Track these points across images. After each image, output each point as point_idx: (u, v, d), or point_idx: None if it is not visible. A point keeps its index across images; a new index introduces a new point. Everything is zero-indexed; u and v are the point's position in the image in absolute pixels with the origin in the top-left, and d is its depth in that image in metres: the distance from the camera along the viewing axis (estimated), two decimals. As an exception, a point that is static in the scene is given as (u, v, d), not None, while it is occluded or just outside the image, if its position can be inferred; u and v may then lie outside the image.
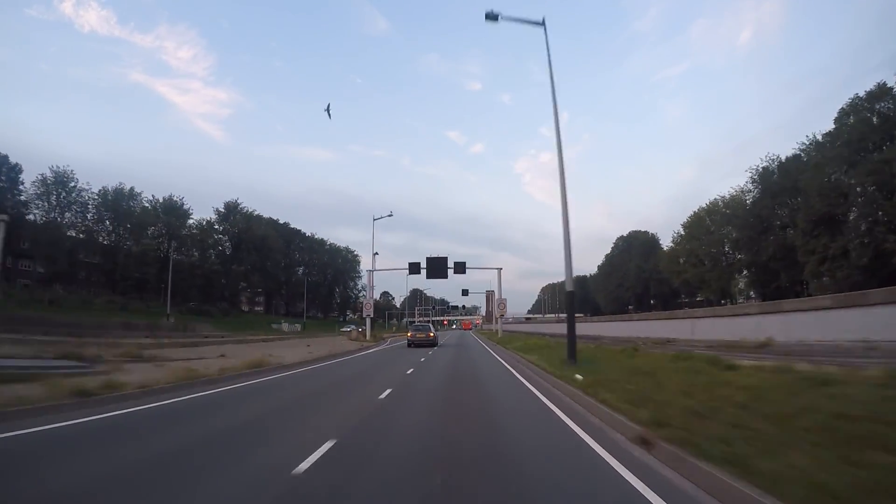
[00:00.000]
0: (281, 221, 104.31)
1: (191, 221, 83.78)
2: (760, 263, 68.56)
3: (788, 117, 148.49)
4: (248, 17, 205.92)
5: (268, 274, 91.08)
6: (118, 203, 71.65)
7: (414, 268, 49.28)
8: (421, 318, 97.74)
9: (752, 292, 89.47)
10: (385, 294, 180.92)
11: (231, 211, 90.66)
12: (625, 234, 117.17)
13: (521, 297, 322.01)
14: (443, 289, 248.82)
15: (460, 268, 50.38)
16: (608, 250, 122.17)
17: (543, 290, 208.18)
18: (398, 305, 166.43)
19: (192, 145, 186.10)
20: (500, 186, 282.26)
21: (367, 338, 41.59)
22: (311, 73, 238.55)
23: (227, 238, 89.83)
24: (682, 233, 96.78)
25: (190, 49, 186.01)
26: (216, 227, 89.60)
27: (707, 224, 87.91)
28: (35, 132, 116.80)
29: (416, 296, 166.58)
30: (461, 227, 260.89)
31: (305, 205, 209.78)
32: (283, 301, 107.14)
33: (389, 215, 47.61)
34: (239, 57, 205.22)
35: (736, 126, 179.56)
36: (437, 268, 48.28)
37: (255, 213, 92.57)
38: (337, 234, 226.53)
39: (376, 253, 48.26)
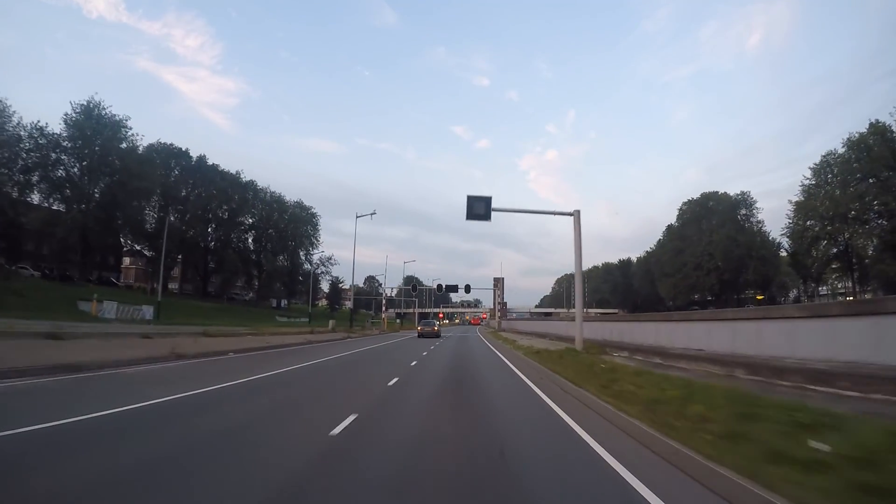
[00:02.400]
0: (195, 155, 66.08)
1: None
2: None
3: (796, 122, 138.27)
4: (255, 7, 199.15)
5: (132, 221, 52.88)
6: None
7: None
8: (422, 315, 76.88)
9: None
10: (370, 279, 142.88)
11: (90, 117, 52.44)
12: (695, 197, 78.25)
13: (523, 294, 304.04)
14: (436, 279, 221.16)
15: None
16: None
17: (559, 281, 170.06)
18: (392, 295, 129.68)
19: (199, 133, 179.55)
20: (504, 183, 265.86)
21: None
22: (317, 64, 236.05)
23: (74, 160, 51.70)
24: (812, 180, 58.68)
25: (198, 37, 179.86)
26: (65, 142, 51.70)
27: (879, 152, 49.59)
28: (38, 117, 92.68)
29: (411, 283, 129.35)
30: (464, 222, 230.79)
31: (310, 196, 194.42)
32: (197, 272, 68.93)
33: None
34: (246, 46, 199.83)
35: (743, 129, 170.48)
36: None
37: (128, 120, 53.78)
38: (340, 227, 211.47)
39: None
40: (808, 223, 56.99)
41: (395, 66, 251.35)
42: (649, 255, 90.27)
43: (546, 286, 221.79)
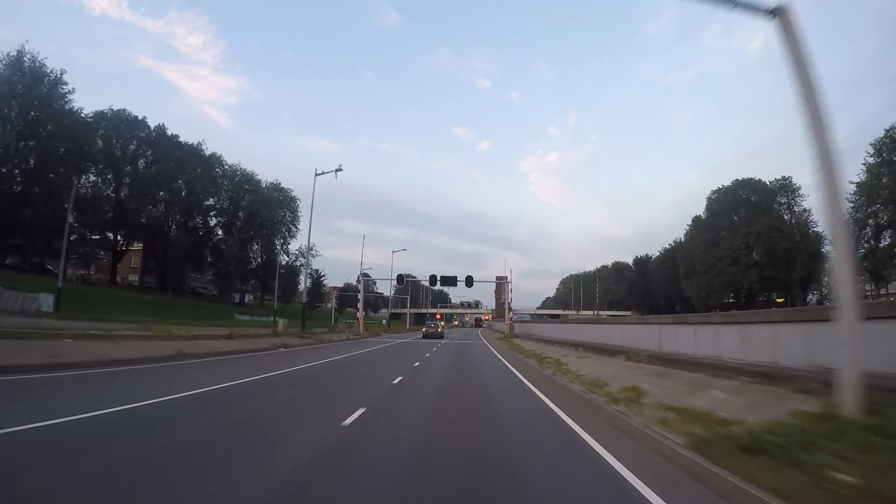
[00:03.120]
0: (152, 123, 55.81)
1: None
2: None
3: (796, 126, 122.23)
4: (258, 6, 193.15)
5: (65, 197, 42.69)
6: None
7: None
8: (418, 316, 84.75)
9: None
10: (363, 276, 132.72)
11: (19, 70, 42.12)
12: (727, 185, 67.95)
13: (524, 296, 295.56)
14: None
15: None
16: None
17: (564, 282, 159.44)
18: (380, 292, 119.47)
19: (200, 132, 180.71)
20: (505, 185, 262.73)
21: None
22: (320, 64, 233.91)
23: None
24: (875, 157, 48.76)
25: (200, 36, 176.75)
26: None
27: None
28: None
29: (413, 284, 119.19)
30: (465, 224, 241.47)
31: (309, 195, 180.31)
32: (157, 261, 58.49)
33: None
34: (248, 45, 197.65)
35: (743, 134, 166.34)
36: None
37: (64, 75, 43.49)
38: (341, 227, 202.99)
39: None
40: (875, 207, 46.92)
41: (397, 68, 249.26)
42: (671, 252, 79.90)
43: (546, 289, 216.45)
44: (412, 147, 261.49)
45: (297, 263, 63.97)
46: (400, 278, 39.86)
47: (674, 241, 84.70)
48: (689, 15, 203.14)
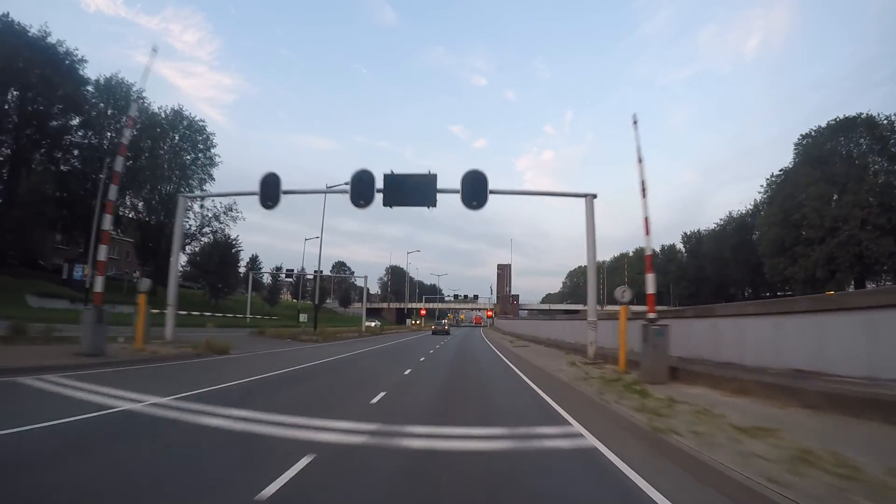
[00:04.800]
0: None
1: None
2: None
3: (792, 127, 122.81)
4: (254, 3, 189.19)
5: None
6: None
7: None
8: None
9: None
10: (339, 265, 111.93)
11: None
12: (819, 126, 48.40)
13: (521, 292, 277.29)
14: (428, 274, 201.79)
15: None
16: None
17: (570, 275, 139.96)
18: (373, 289, 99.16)
19: None
20: (500, 183, 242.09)
21: None
22: (316, 62, 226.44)
23: None
24: None
25: (196, 33, 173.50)
26: None
27: None
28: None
29: (399, 277, 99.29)
30: (460, 222, 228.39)
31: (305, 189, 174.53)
32: None
33: None
34: (244, 43, 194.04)
35: (740, 133, 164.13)
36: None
37: None
38: (336, 224, 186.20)
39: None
40: None
41: (394, 65, 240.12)
42: (736, 223, 60.12)
43: (543, 286, 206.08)
44: (409, 144, 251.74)
45: (210, 229, 43.21)
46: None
47: (727, 216, 65.44)
48: (685, 14, 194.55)
